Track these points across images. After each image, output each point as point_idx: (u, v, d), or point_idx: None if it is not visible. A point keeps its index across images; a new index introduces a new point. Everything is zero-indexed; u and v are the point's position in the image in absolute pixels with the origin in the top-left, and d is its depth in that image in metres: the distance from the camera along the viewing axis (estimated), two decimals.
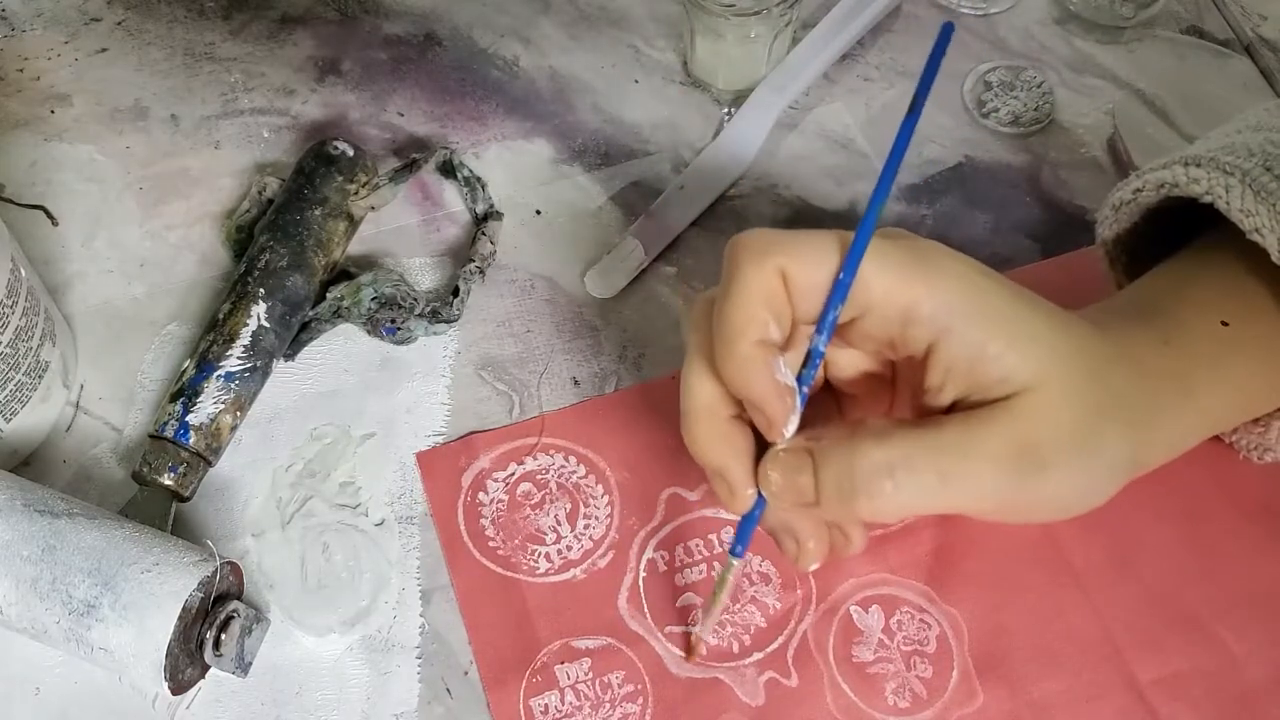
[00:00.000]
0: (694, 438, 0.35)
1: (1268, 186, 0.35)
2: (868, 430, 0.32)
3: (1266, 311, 0.37)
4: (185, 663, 0.37)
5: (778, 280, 0.32)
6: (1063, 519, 0.35)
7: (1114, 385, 0.34)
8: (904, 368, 0.36)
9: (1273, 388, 0.38)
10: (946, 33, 0.32)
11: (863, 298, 0.32)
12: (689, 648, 0.40)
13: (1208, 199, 0.36)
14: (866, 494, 0.31)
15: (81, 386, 0.46)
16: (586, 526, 0.43)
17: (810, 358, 0.33)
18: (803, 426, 0.33)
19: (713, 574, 0.42)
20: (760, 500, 0.34)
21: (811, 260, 0.32)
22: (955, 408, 0.33)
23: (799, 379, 0.33)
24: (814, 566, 0.35)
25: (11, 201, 0.50)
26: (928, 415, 0.34)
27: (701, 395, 0.34)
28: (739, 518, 0.35)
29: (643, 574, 0.42)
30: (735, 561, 0.36)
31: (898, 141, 0.32)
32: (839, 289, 0.32)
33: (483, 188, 0.50)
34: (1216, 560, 0.42)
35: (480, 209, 0.50)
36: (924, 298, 0.32)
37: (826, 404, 0.37)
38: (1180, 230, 0.40)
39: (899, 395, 0.36)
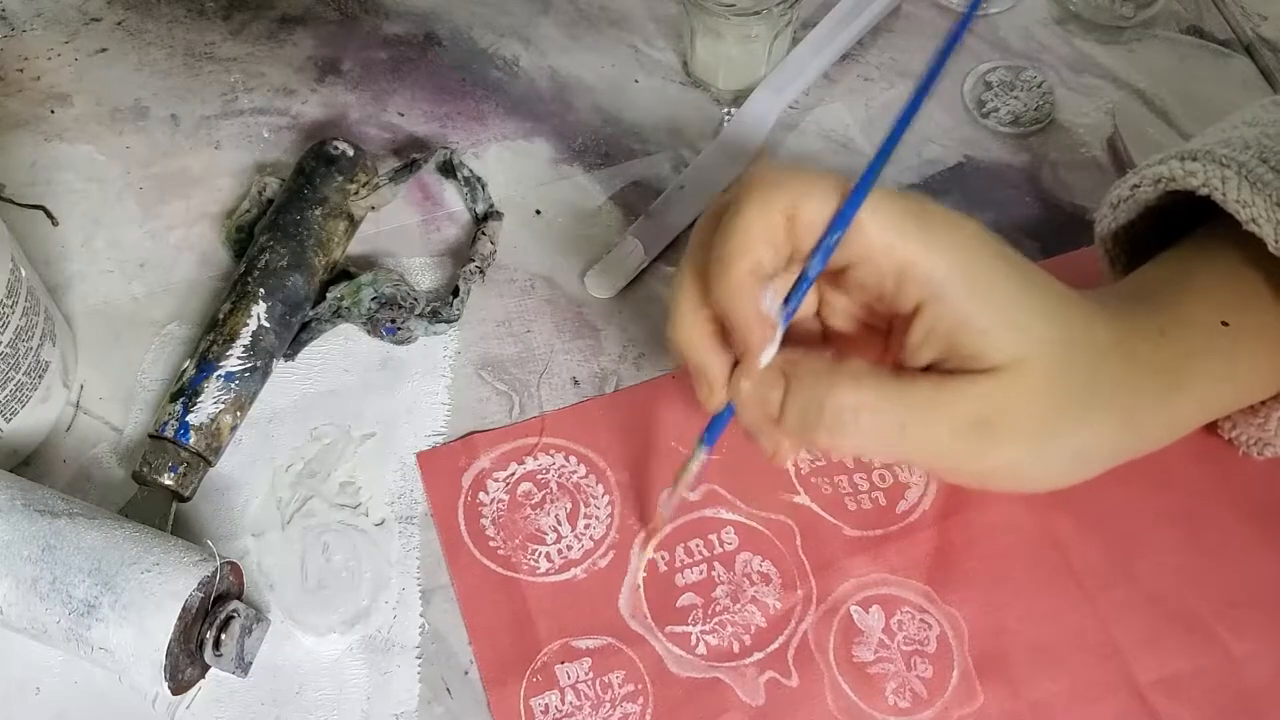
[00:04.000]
0: (678, 335, 0.36)
1: (1263, 178, 0.36)
2: (844, 369, 0.33)
3: (1264, 301, 0.38)
4: (185, 663, 0.37)
5: (781, 217, 0.33)
6: (1025, 492, 0.38)
7: (1104, 375, 0.34)
8: (895, 322, 0.36)
9: (1269, 377, 0.38)
10: None
11: (861, 247, 0.33)
12: (650, 530, 0.42)
13: (1204, 191, 0.37)
14: (828, 428, 0.33)
15: (81, 386, 0.46)
16: (587, 526, 0.43)
17: (800, 281, 0.34)
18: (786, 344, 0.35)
19: (713, 574, 0.42)
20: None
21: (819, 197, 0.33)
22: (931, 368, 0.34)
23: (787, 299, 0.34)
24: (789, 462, 0.37)
25: (11, 201, 0.50)
26: (903, 369, 0.35)
27: (690, 297, 0.35)
28: (712, 414, 0.37)
29: (643, 574, 0.42)
30: (702, 452, 0.38)
31: (928, 74, 0.33)
32: (840, 218, 0.32)
33: (483, 188, 0.50)
34: (1216, 560, 0.42)
35: (480, 209, 0.50)
36: (921, 259, 0.32)
37: (820, 347, 0.38)
38: (1178, 233, 0.41)
39: (890, 349, 0.37)
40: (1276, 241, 0.35)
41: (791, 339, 0.36)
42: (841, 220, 0.32)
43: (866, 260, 0.33)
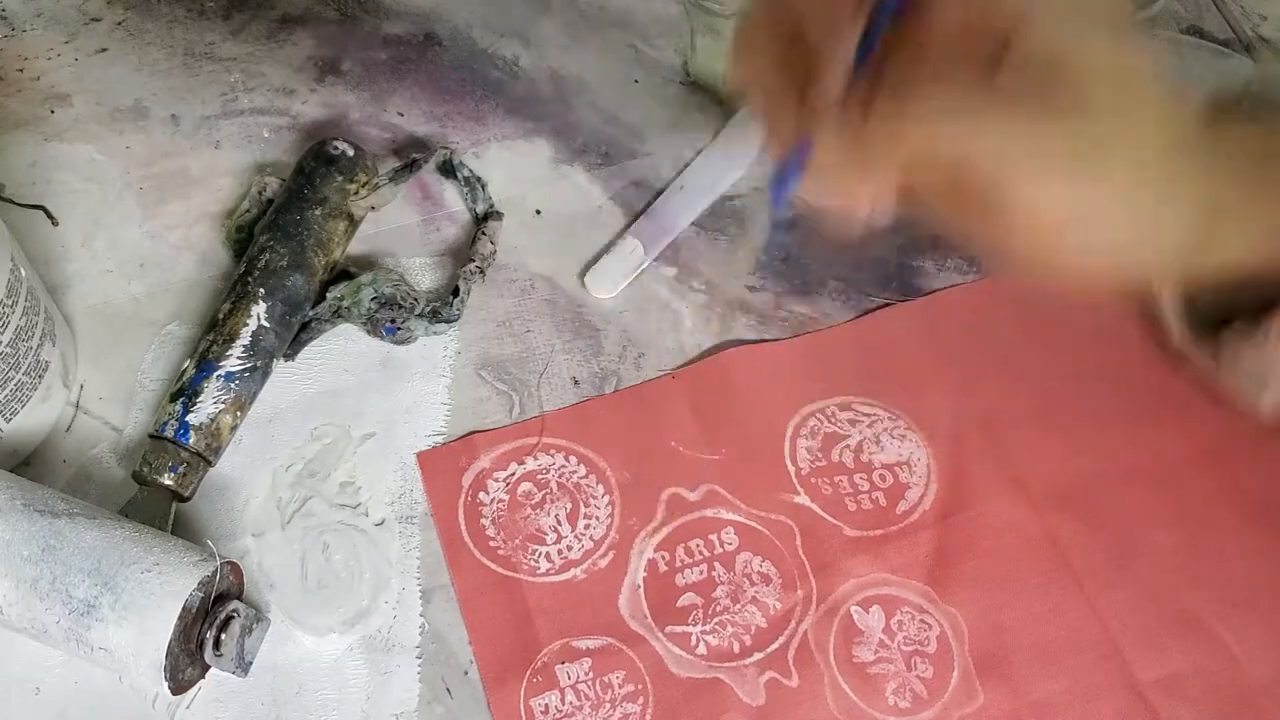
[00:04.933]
0: (747, 67, 0.33)
1: None
2: (930, 60, 0.30)
3: None
4: (185, 663, 0.37)
5: None
6: (1106, 272, 0.33)
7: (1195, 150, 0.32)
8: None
9: None
10: None
11: None
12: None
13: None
14: (917, 113, 0.30)
15: (81, 386, 0.46)
16: (587, 526, 0.43)
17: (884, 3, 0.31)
18: None
19: (713, 574, 0.42)
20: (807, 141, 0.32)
21: None
22: None
23: (872, 23, 0.30)
24: (863, 209, 0.32)
25: (11, 201, 0.50)
26: None
27: (761, 26, 0.33)
28: (787, 153, 0.33)
29: (643, 574, 0.42)
30: (785, 196, 0.33)
31: None
32: None
33: (483, 188, 0.50)
34: (1216, 560, 0.42)
35: (480, 209, 0.50)
36: None
37: None
38: None
39: None
40: None
41: None
42: None
43: None
